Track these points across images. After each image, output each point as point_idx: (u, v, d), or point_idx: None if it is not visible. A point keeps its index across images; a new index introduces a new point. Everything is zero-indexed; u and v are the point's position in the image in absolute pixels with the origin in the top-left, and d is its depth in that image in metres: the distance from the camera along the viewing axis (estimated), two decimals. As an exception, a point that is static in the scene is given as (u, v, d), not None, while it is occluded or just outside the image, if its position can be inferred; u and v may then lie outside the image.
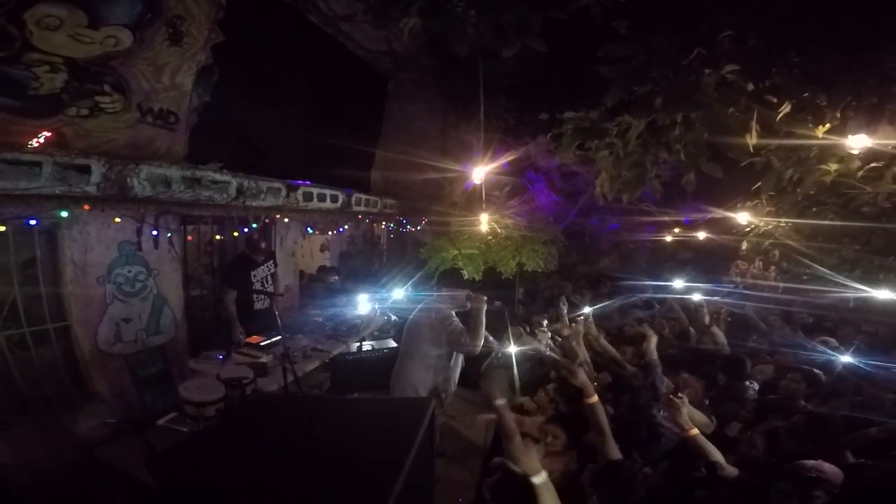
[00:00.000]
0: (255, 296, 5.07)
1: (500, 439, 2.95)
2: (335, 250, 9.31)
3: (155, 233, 4.72)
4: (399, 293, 5.51)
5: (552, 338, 4.61)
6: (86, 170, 3.86)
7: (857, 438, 2.76)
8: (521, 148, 8.30)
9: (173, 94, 4.79)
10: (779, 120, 2.40)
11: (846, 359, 3.82)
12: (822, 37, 2.12)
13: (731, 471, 2.54)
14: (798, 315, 5.80)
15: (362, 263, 9.49)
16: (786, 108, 2.36)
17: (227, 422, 2.78)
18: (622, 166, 2.99)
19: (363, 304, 5.59)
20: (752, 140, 2.38)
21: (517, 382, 4.10)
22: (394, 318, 5.93)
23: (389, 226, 9.73)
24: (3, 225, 3.58)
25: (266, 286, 5.16)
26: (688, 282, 6.75)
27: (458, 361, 4.10)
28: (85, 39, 3.92)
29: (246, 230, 5.64)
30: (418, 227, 9.62)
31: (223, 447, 1.94)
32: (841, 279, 4.15)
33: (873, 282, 3.95)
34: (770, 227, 4.80)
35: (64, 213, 3.90)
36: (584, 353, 4.00)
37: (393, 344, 5.13)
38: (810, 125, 2.49)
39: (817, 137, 2.54)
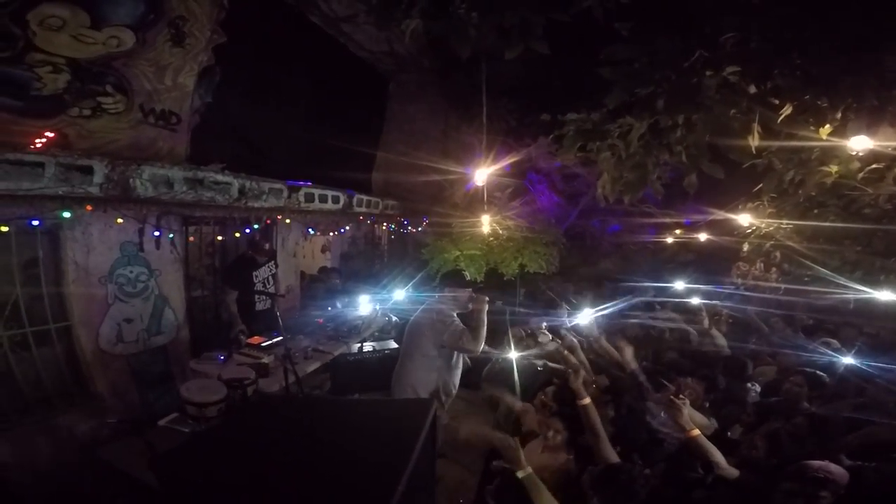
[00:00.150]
0: (256, 296, 5.08)
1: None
2: (336, 251, 9.31)
3: (157, 233, 4.73)
4: (400, 294, 5.51)
5: (552, 340, 4.62)
6: (88, 170, 3.86)
7: (863, 436, 2.76)
8: (523, 150, 8.31)
9: (175, 95, 4.80)
10: (780, 122, 2.41)
11: (848, 360, 3.82)
12: (823, 37, 2.13)
13: (732, 472, 2.55)
14: (799, 317, 5.80)
15: (363, 264, 9.49)
16: (787, 109, 2.37)
17: (229, 423, 2.79)
18: (624, 168, 3.00)
19: (364, 304, 5.60)
20: (753, 142, 2.38)
21: (518, 385, 4.11)
22: (395, 318, 5.93)
23: (390, 227, 9.74)
24: (5, 225, 3.59)
25: (267, 287, 5.17)
26: (689, 283, 6.75)
27: (460, 363, 4.10)
28: (87, 40, 3.93)
29: (247, 231, 5.65)
30: (419, 229, 9.63)
31: (226, 448, 1.94)
32: (842, 281, 4.15)
33: (874, 283, 3.95)
34: (771, 228, 4.80)
35: (66, 214, 3.91)
36: (580, 358, 4.04)
37: (394, 345, 5.12)
38: (812, 127, 2.50)
39: (819, 139, 2.55)
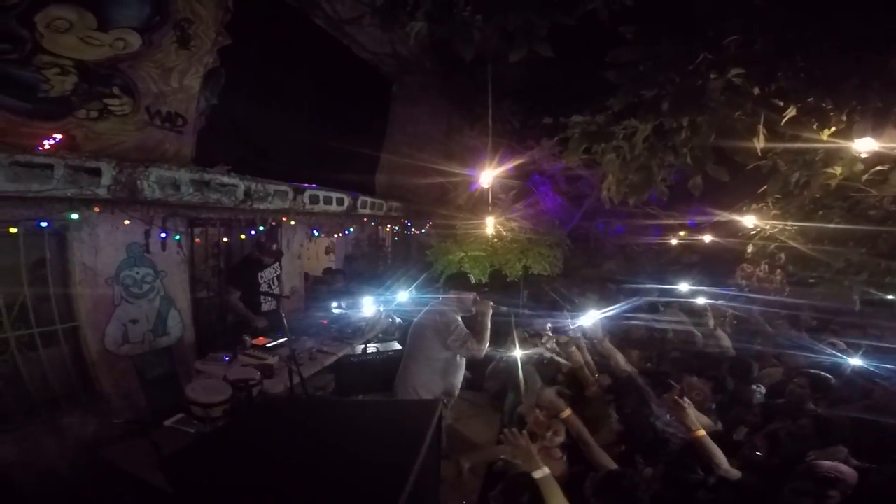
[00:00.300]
0: (262, 297, 5.10)
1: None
2: (340, 253, 9.32)
3: (163, 235, 4.75)
4: (403, 296, 5.52)
5: (556, 342, 4.63)
6: (97, 172, 3.88)
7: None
8: (527, 152, 8.31)
9: (181, 97, 4.82)
10: (784, 123, 2.41)
11: (854, 362, 3.81)
12: (826, 39, 2.13)
13: (734, 473, 2.55)
14: (804, 318, 5.78)
15: (367, 266, 9.50)
16: (791, 111, 2.37)
17: (235, 424, 2.80)
18: (629, 170, 3.00)
19: (368, 306, 5.61)
20: (758, 143, 2.38)
21: (522, 386, 4.11)
22: (398, 320, 5.94)
23: (394, 228, 9.75)
24: (14, 227, 3.61)
25: (272, 288, 5.19)
26: (693, 285, 6.74)
27: (463, 364, 4.11)
28: (94, 42, 3.95)
29: (253, 233, 5.67)
30: (423, 230, 9.63)
31: (233, 449, 1.95)
32: (847, 282, 4.14)
33: (879, 285, 3.94)
34: (776, 230, 4.78)
35: (74, 216, 3.93)
36: (584, 357, 4.05)
37: (398, 346, 5.13)
38: (816, 128, 2.50)
39: (823, 141, 2.55)
